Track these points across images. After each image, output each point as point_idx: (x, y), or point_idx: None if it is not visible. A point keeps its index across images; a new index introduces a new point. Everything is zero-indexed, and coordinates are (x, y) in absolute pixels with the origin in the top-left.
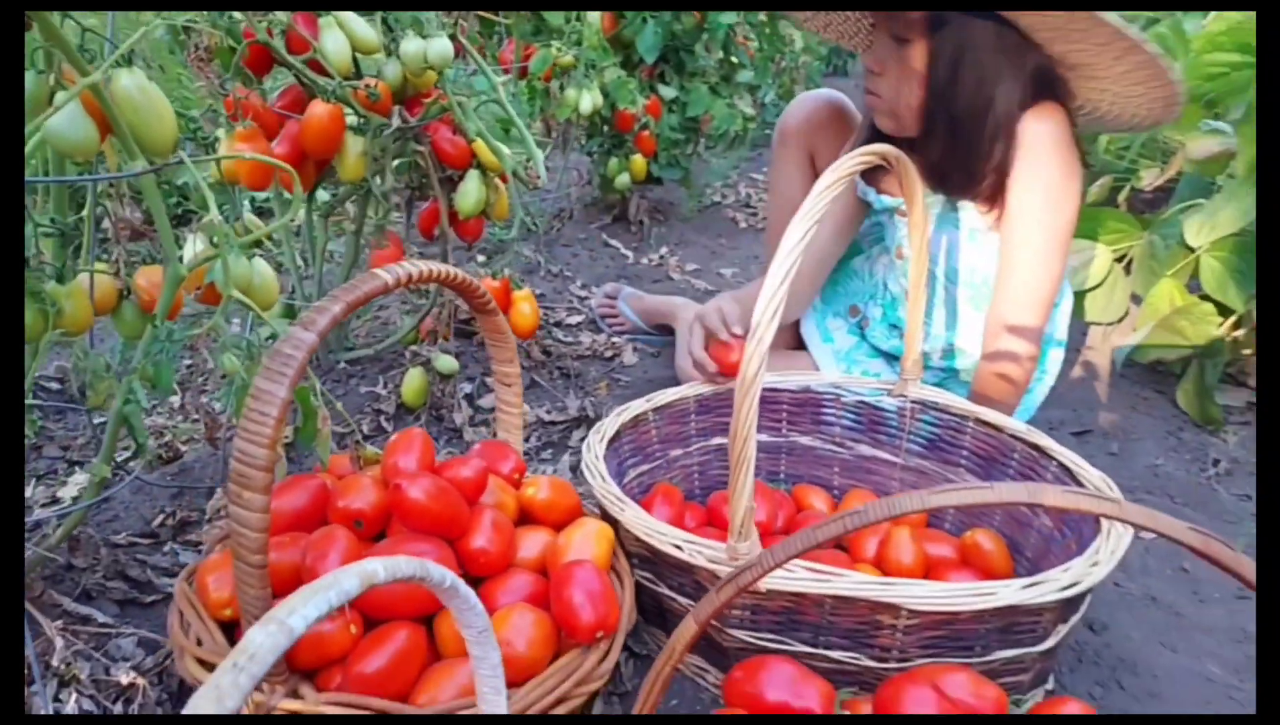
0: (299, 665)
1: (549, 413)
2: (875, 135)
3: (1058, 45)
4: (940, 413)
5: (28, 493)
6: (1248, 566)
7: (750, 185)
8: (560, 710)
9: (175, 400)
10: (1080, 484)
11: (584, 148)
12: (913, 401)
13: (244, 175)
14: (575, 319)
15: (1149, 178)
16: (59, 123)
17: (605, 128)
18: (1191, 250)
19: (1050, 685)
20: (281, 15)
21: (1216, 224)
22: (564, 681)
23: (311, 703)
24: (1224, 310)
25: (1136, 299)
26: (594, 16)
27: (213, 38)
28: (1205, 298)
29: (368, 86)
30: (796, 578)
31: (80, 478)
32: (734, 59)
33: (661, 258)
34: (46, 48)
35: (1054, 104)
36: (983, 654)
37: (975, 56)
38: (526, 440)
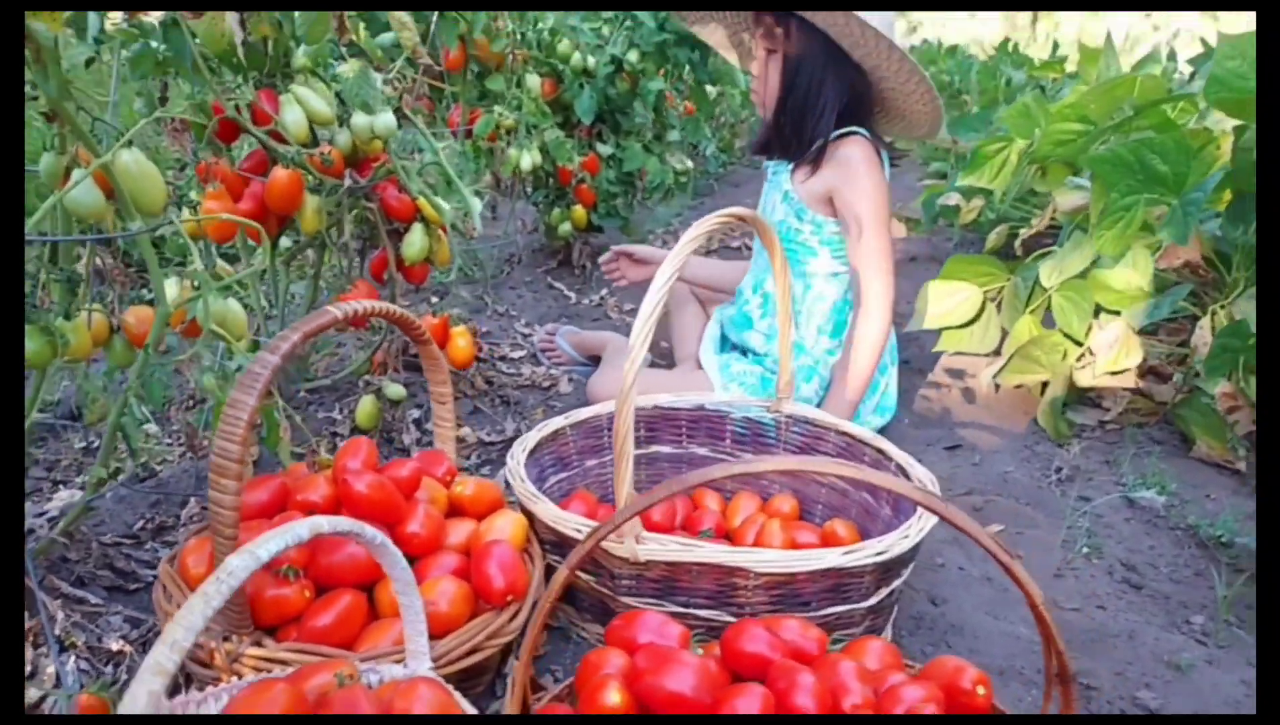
0: (262, 623)
1: (489, 434)
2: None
3: (857, 52)
4: (808, 425)
5: None
6: (989, 541)
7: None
8: (474, 659)
9: (152, 427)
10: (909, 478)
11: (530, 199)
12: (786, 416)
13: (211, 230)
14: (518, 353)
15: (1038, 225)
16: (78, 193)
17: (550, 181)
18: (1045, 290)
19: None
20: (247, 92)
21: (1065, 267)
22: (478, 635)
23: (271, 650)
24: (1077, 341)
25: (1006, 334)
26: (534, 82)
27: (187, 112)
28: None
29: (323, 154)
30: (669, 549)
31: (64, 494)
32: (665, 120)
33: (602, 299)
34: (64, 134)
35: (860, 135)
36: (818, 609)
37: (810, 64)
38: (468, 458)
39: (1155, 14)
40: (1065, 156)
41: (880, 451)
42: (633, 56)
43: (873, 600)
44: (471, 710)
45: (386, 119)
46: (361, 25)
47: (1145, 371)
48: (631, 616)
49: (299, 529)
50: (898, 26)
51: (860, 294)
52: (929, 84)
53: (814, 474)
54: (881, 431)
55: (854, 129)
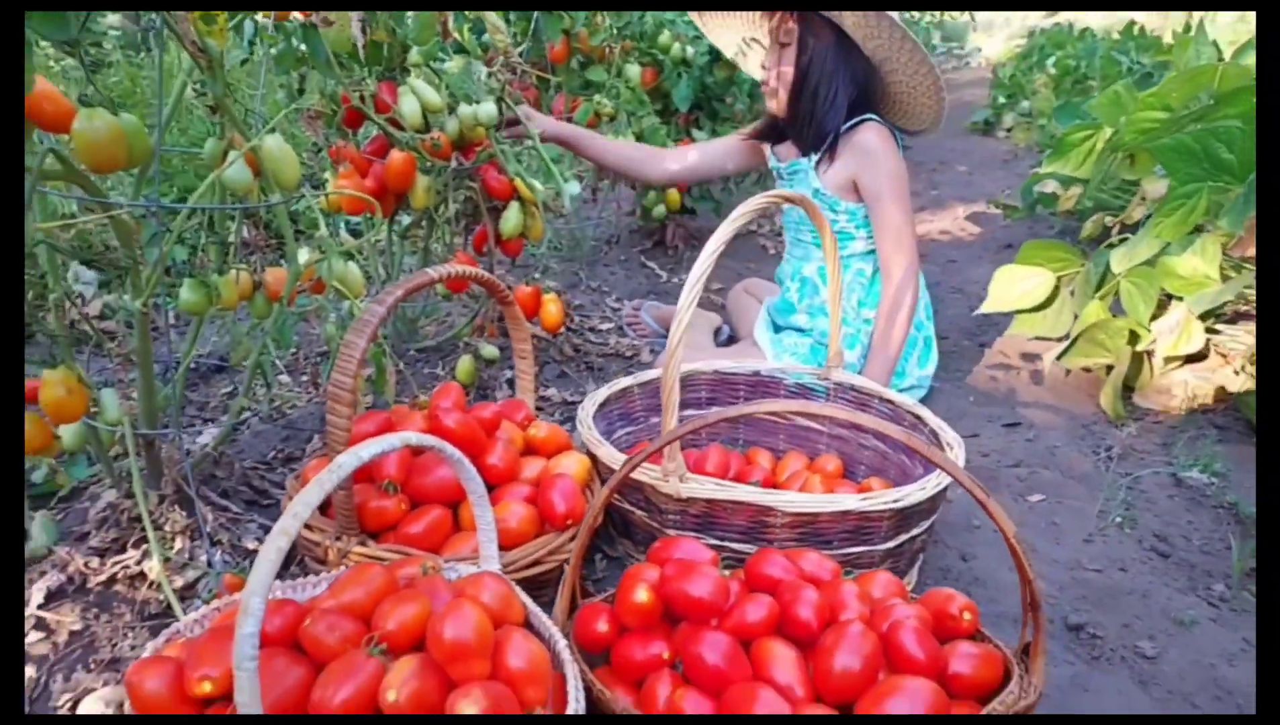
0: (367, 529)
1: (571, 396)
2: (770, 118)
3: (870, 44)
4: (855, 391)
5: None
6: (1002, 519)
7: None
8: (537, 570)
9: (284, 377)
10: (940, 443)
11: (629, 182)
12: (835, 383)
13: (345, 205)
14: (606, 326)
15: (1131, 214)
16: (232, 172)
17: None
18: (1116, 275)
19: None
20: (370, 85)
21: (1135, 254)
22: (540, 550)
23: (373, 549)
24: (1143, 326)
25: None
26: (633, 72)
27: (320, 104)
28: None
29: (433, 139)
30: (707, 488)
31: (213, 430)
32: (759, 107)
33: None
34: (223, 123)
35: (875, 122)
36: (838, 548)
37: (823, 56)
38: (551, 415)
39: None
40: (1145, 145)
41: (918, 417)
42: None
43: (890, 544)
44: (529, 602)
45: (488, 108)
46: (465, 27)
47: (1204, 357)
48: (670, 541)
49: (393, 439)
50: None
51: (886, 269)
52: (936, 77)
53: (824, 417)
54: (924, 399)
55: (866, 116)
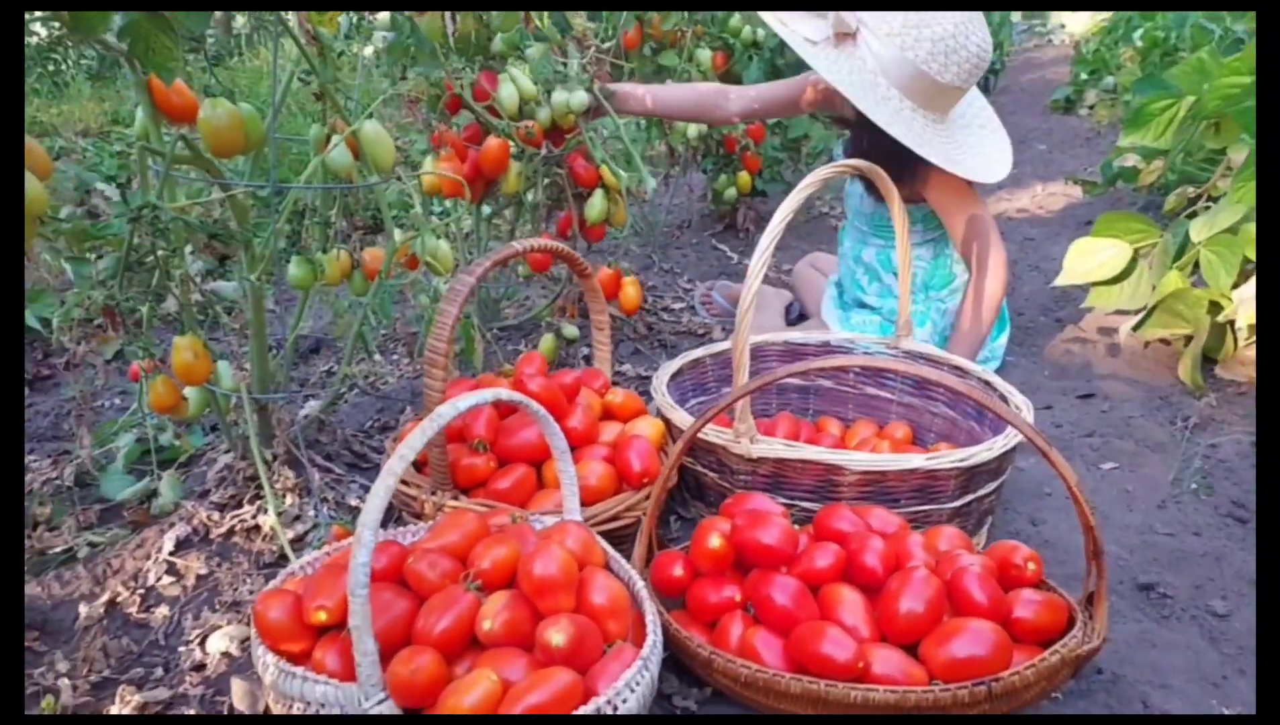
0: (459, 484)
1: (646, 371)
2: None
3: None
4: (925, 359)
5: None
6: (1063, 466)
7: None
8: (615, 525)
9: (379, 357)
10: (1008, 404)
11: (700, 166)
12: (904, 352)
13: (444, 187)
14: (678, 305)
15: (1214, 184)
16: (336, 154)
17: (718, 150)
18: (1196, 245)
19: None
20: (470, 74)
21: (1215, 222)
22: (619, 506)
23: (465, 503)
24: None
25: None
26: (704, 56)
27: (421, 89)
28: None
29: (527, 126)
30: (775, 448)
31: (314, 404)
32: None
33: None
34: (326, 109)
35: None
36: (906, 507)
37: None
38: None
39: None
40: (1227, 110)
41: (987, 382)
42: None
43: (958, 503)
44: (609, 548)
45: (580, 96)
46: (545, 15)
47: None
48: (742, 496)
49: (485, 394)
50: None
51: (978, 258)
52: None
53: (894, 371)
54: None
55: None
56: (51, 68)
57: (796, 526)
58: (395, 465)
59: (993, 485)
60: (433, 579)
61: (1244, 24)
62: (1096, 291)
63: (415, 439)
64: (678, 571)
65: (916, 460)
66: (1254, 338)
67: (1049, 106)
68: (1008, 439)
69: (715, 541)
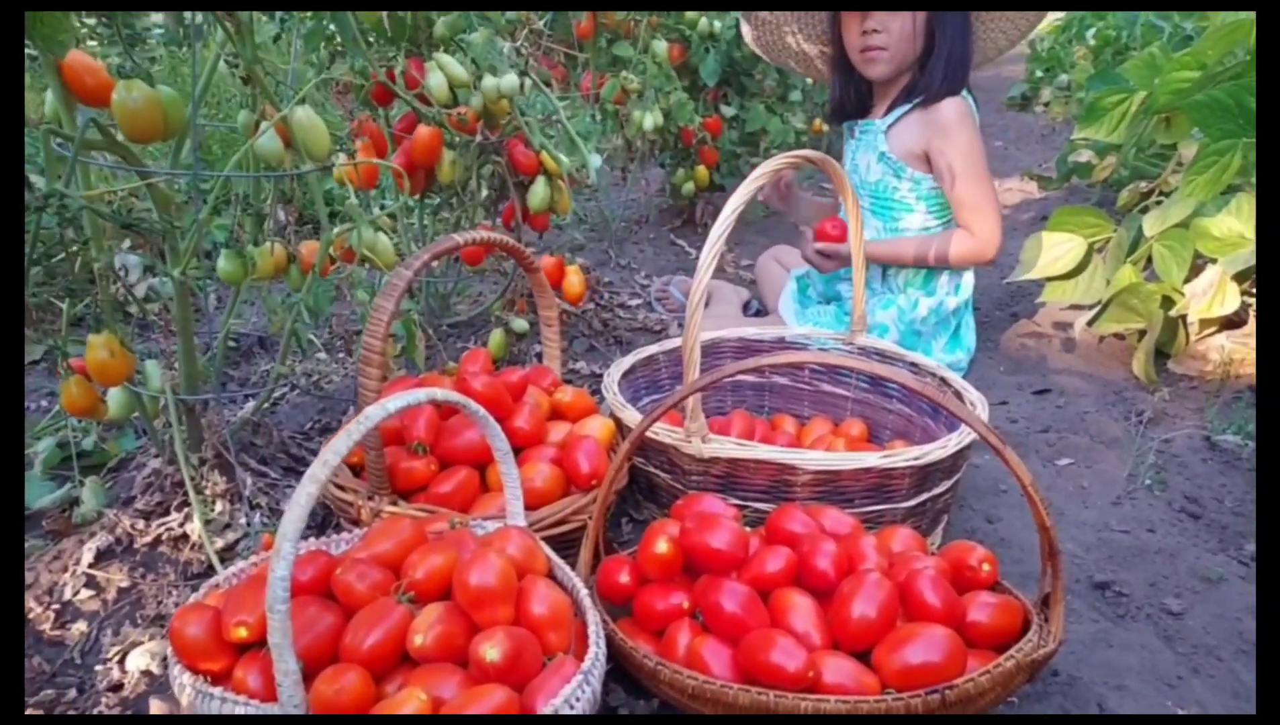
0: (398, 489)
1: (600, 368)
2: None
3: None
4: (881, 355)
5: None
6: (1017, 465)
7: (817, 193)
8: (562, 529)
9: (321, 354)
10: (963, 401)
11: (658, 161)
12: (859, 347)
13: (365, 178)
14: (635, 302)
15: (1165, 180)
16: (265, 142)
17: (675, 143)
18: (1149, 240)
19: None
20: (399, 62)
21: (1168, 216)
22: (566, 509)
23: (404, 508)
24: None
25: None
26: (660, 48)
27: (348, 78)
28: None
29: (459, 114)
30: (728, 448)
31: (252, 404)
32: (788, 81)
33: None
34: (254, 94)
35: (957, 97)
36: (860, 506)
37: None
38: (580, 387)
39: None
40: (1177, 104)
41: (943, 379)
42: None
43: (912, 502)
44: (552, 554)
45: (510, 80)
46: None
47: (1243, 323)
48: (693, 497)
49: (419, 394)
50: None
51: (966, 224)
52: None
53: (848, 368)
54: (965, 373)
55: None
56: None
57: (749, 528)
58: (318, 471)
59: (948, 483)
60: (361, 591)
61: (1192, 22)
62: (1051, 286)
63: (340, 442)
64: (624, 578)
65: (870, 459)
66: (1204, 332)
67: (1005, 103)
68: (962, 437)
69: (663, 546)
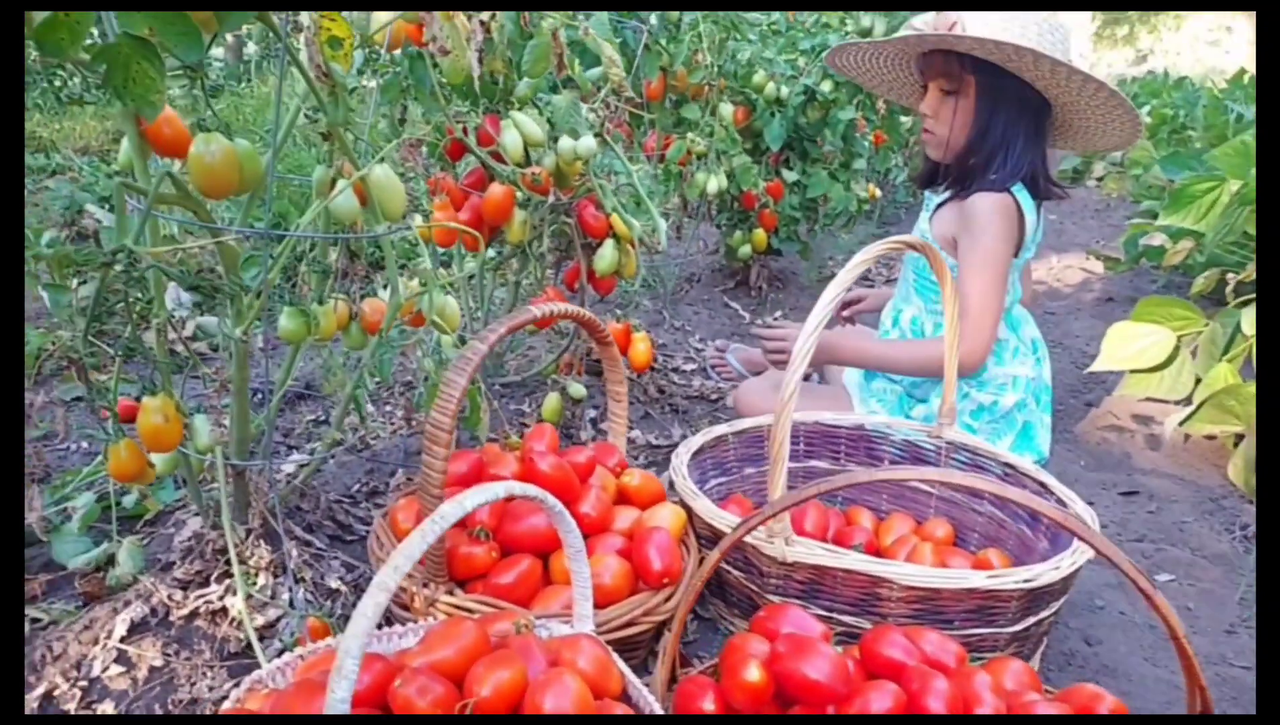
0: (455, 576)
1: (656, 438)
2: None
3: (1052, 91)
4: (969, 452)
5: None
6: (1168, 612)
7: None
8: (630, 632)
9: (370, 408)
10: (1066, 508)
11: (715, 221)
12: (947, 442)
13: (437, 237)
14: (690, 366)
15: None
16: (341, 201)
17: (734, 204)
18: (1247, 337)
19: None
20: (474, 118)
21: None
22: (635, 610)
23: (461, 598)
24: None
25: (1199, 382)
26: (726, 111)
27: (424, 133)
28: None
29: (533, 174)
30: (815, 553)
31: (297, 457)
32: (852, 148)
33: (775, 320)
34: (333, 151)
35: (1000, 193)
36: (960, 628)
37: (1004, 103)
38: (635, 459)
39: None
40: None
41: (1042, 483)
42: (826, 87)
43: (1017, 627)
44: (627, 671)
45: (587, 142)
46: (576, 61)
47: None
48: (776, 609)
49: (497, 488)
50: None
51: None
52: (1123, 98)
53: (959, 487)
54: None
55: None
56: (58, 83)
57: (839, 648)
58: (388, 578)
59: (1055, 606)
60: (423, 708)
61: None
62: (1134, 379)
63: (413, 545)
64: (708, 705)
65: (975, 578)
66: None
67: (1057, 176)
68: (1076, 556)
69: (754, 674)
